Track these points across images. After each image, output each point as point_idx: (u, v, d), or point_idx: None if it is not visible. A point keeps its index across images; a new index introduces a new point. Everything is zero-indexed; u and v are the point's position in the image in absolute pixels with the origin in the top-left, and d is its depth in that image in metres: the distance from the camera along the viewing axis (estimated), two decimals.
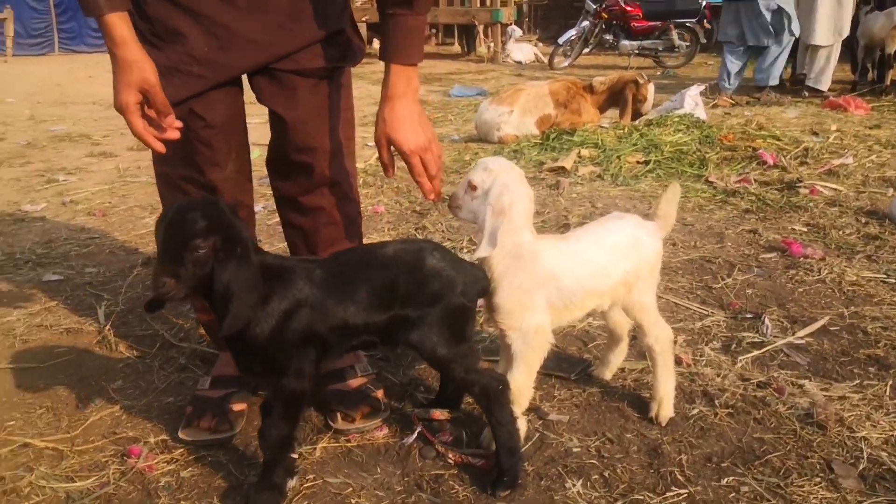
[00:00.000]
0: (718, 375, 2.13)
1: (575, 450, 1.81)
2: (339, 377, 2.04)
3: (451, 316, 1.61)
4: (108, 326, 2.50)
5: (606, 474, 1.71)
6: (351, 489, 1.69)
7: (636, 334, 2.06)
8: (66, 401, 2.11)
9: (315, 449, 1.83)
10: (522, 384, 1.75)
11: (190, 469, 1.78)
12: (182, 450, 1.84)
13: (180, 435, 1.87)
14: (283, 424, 1.55)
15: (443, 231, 3.49)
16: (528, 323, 1.72)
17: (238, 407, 1.96)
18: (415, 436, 1.85)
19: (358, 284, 1.57)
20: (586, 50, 11.82)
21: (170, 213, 1.43)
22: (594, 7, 11.61)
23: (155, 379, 2.21)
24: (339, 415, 1.92)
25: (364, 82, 10.30)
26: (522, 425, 1.79)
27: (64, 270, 3.12)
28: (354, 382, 2.02)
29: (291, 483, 1.66)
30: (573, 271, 1.74)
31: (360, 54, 1.95)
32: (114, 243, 3.49)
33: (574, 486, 1.67)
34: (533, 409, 1.96)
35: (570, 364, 2.22)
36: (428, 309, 1.59)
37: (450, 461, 1.75)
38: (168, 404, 2.08)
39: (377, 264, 1.61)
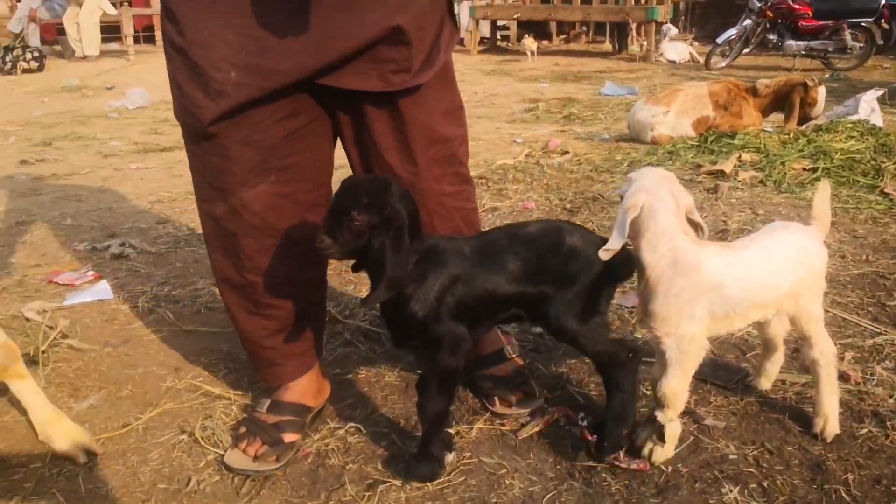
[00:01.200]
0: (891, 396, 2.01)
1: (731, 456, 1.78)
2: (493, 361, 2.11)
3: (587, 293, 1.67)
4: None
5: (765, 484, 1.68)
6: (504, 470, 1.76)
7: (798, 347, 1.99)
8: (245, 364, 2.33)
9: (471, 429, 1.92)
10: (677, 388, 1.74)
11: (356, 436, 1.92)
12: (346, 417, 1.99)
13: (226, 458, 1.81)
14: (440, 399, 1.65)
15: (594, 230, 3.49)
16: (683, 331, 1.70)
17: (290, 438, 1.85)
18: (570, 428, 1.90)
19: (504, 259, 1.66)
20: (746, 50, 11.25)
21: (344, 183, 1.59)
22: (758, 5, 11.03)
23: (325, 351, 2.39)
24: (496, 398, 1.99)
25: (511, 79, 10.37)
26: (677, 428, 1.78)
27: None
28: (508, 366, 2.09)
29: (449, 457, 1.76)
30: (740, 281, 1.70)
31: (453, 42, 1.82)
32: None
33: (731, 491, 1.65)
34: (688, 413, 1.94)
35: (727, 372, 2.18)
36: (566, 285, 1.66)
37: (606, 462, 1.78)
38: (335, 375, 2.24)
39: (521, 241, 1.69)
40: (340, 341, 2.45)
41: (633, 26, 13.00)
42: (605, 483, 1.70)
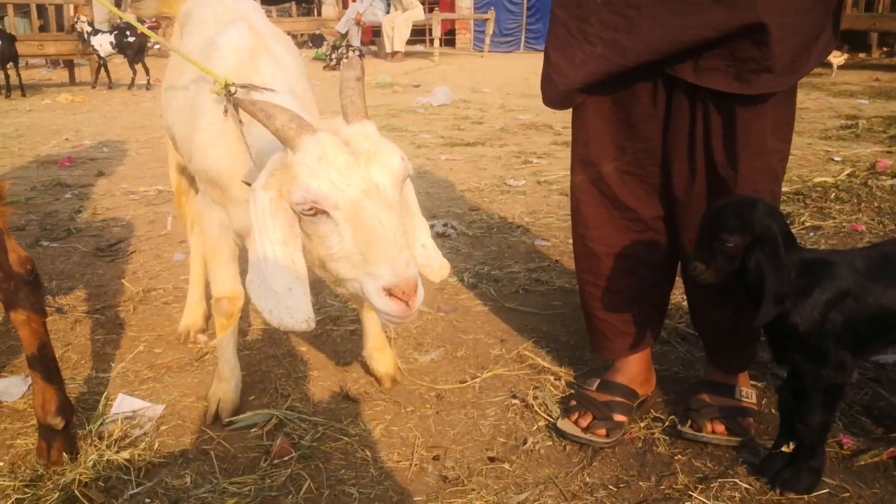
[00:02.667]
0: None
1: None
2: (719, 390, 1.98)
3: None
4: None
5: None
6: (847, 494, 1.67)
7: None
8: (564, 345, 2.46)
9: None
10: None
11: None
12: (669, 411, 2.02)
13: (558, 423, 1.93)
14: (823, 412, 1.60)
15: None
16: None
17: (619, 418, 1.92)
18: None
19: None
20: None
21: (709, 208, 1.62)
22: None
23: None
24: (699, 421, 1.90)
25: (821, 93, 9.51)
26: None
27: (550, 238, 3.58)
28: (731, 402, 1.95)
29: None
30: None
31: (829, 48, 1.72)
32: None
33: None
34: None
35: None
36: None
37: None
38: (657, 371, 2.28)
39: None
40: (657, 340, 2.48)
41: None
42: None
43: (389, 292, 1.35)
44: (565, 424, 1.92)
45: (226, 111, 1.72)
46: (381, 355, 2.23)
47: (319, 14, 18.26)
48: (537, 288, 2.96)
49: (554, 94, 1.87)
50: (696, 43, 1.63)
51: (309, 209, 1.37)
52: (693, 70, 1.69)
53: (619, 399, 1.97)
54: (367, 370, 2.27)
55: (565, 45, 1.78)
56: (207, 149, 1.81)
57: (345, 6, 17.00)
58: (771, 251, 1.53)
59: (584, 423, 1.90)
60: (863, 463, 1.78)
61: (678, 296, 2.79)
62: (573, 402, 1.99)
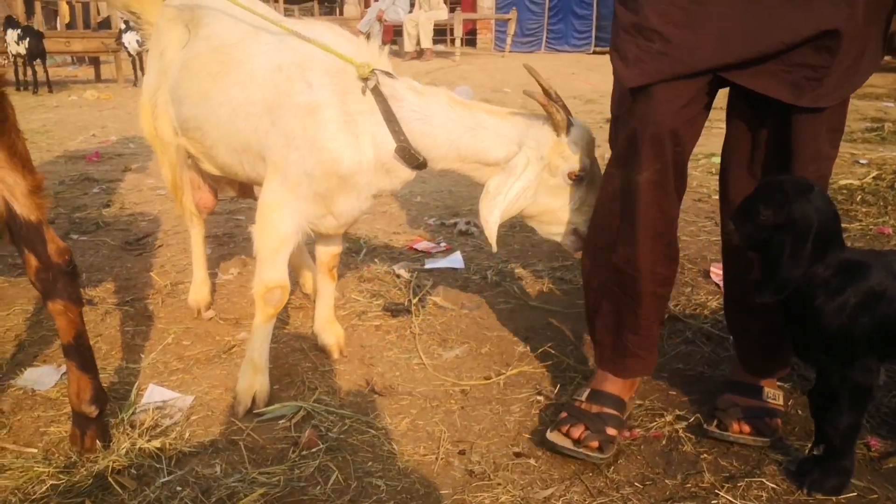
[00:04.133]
0: None
1: None
2: (745, 391, 1.97)
3: None
4: None
5: None
6: (875, 496, 1.67)
7: None
8: (589, 344, 2.46)
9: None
10: None
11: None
12: (687, 412, 2.02)
13: (548, 435, 1.85)
14: (851, 413, 1.59)
15: None
16: None
17: (612, 432, 1.84)
18: None
19: None
20: None
21: (766, 178, 1.67)
22: None
23: (665, 345, 2.43)
24: (716, 418, 1.90)
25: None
26: None
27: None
28: (757, 403, 1.94)
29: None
30: None
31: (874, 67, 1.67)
32: None
33: None
34: None
35: None
36: None
37: None
38: (678, 370, 2.28)
39: None
40: (682, 339, 2.48)
41: None
42: None
43: None
44: (555, 437, 1.84)
45: (364, 91, 1.94)
46: (332, 326, 2.43)
47: (342, 13, 18.33)
48: (561, 286, 2.96)
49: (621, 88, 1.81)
50: (774, 49, 1.58)
51: (577, 177, 1.97)
52: (749, 73, 1.64)
53: (610, 411, 1.89)
54: (317, 343, 2.41)
55: (626, 43, 1.71)
56: (330, 141, 1.93)
57: (366, 5, 17.06)
58: (797, 237, 1.52)
59: (576, 433, 1.82)
60: (891, 465, 1.78)
61: (703, 296, 2.79)
62: (563, 415, 1.90)
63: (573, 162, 1.95)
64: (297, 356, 2.38)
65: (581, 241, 2.05)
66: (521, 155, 1.96)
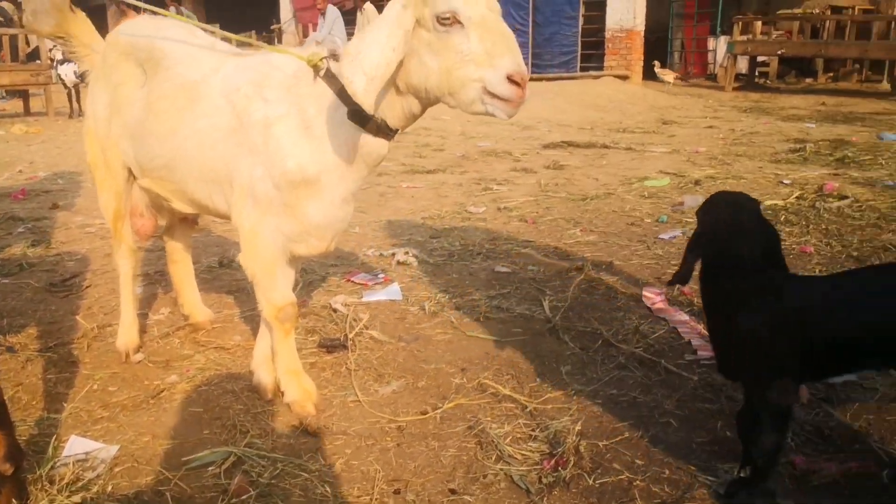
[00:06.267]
0: None
1: None
2: None
3: None
4: (556, 317, 2.86)
5: None
6: None
7: None
8: (525, 372, 2.48)
9: None
10: None
11: (638, 454, 1.96)
12: (622, 439, 2.04)
13: None
14: (773, 434, 1.64)
15: None
16: None
17: None
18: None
19: (864, 303, 1.58)
20: None
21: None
22: None
23: (598, 371, 2.47)
24: None
25: (771, 118, 9.82)
26: None
27: (510, 265, 3.61)
28: None
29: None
30: None
31: None
32: (546, 248, 3.92)
33: None
34: None
35: None
36: None
37: None
38: (612, 395, 2.31)
39: (888, 281, 1.60)
40: (614, 364, 2.51)
41: None
42: None
43: (510, 78, 1.71)
44: None
45: (315, 78, 1.95)
46: (270, 365, 2.35)
47: (280, 42, 18.28)
48: (498, 315, 2.98)
49: None
50: None
51: (447, 18, 1.76)
52: None
53: None
54: (252, 382, 2.37)
55: None
56: (292, 149, 1.97)
57: (305, 34, 17.04)
58: (695, 237, 1.66)
59: None
60: (815, 483, 1.82)
61: (635, 321, 2.84)
62: None
63: (437, 1, 1.76)
64: (228, 398, 2.32)
65: (508, 104, 1.76)
66: (385, 12, 1.83)
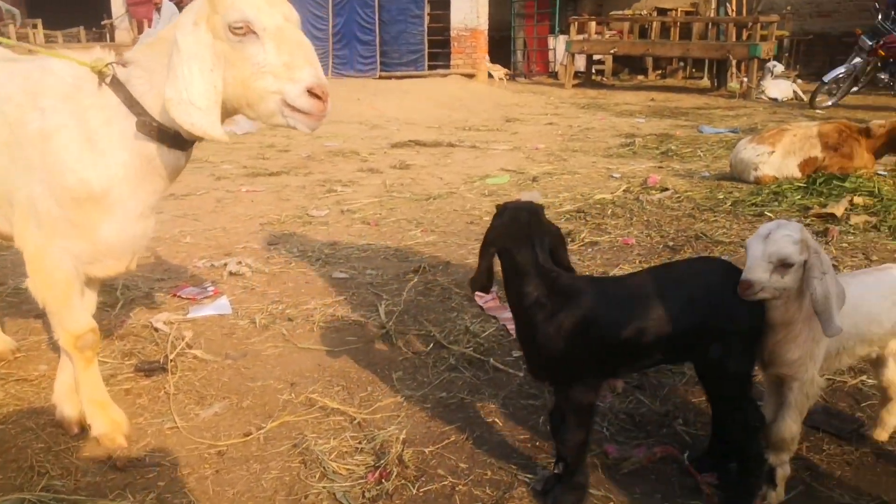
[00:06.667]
0: None
1: None
2: None
3: (743, 333, 1.65)
4: (390, 323, 2.84)
5: None
6: (612, 503, 1.78)
7: None
8: (356, 382, 2.44)
9: None
10: (796, 431, 1.74)
11: (462, 458, 1.98)
12: (448, 443, 2.06)
13: None
14: (578, 431, 1.69)
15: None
16: (809, 373, 1.71)
17: None
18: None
19: (648, 303, 1.66)
20: (855, 89, 10.85)
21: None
22: (870, 44, 10.63)
23: (429, 374, 2.47)
24: None
25: (606, 113, 10.37)
26: (787, 470, 1.77)
27: (348, 270, 3.56)
28: None
29: None
30: (849, 317, 1.69)
31: None
32: (387, 251, 3.90)
33: None
34: (800, 459, 1.91)
35: (840, 421, 2.12)
36: (721, 325, 1.64)
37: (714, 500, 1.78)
38: (441, 399, 2.31)
39: (669, 283, 1.69)
40: (445, 366, 2.53)
41: (734, 63, 12.78)
42: None
43: (311, 91, 1.69)
44: None
45: (100, 85, 1.82)
46: (74, 396, 2.15)
47: (112, 39, 17.12)
48: (332, 324, 2.92)
49: None
50: None
51: (240, 27, 1.69)
52: None
53: None
54: (55, 416, 2.17)
55: None
56: (74, 164, 1.81)
57: (140, 30, 16.06)
58: (485, 244, 1.72)
59: None
60: (626, 470, 1.91)
61: (468, 320, 2.87)
62: None
63: (228, 10, 1.70)
64: (27, 436, 2.11)
65: (309, 116, 1.73)
66: (178, 34, 1.73)
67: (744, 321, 1.63)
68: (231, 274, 3.52)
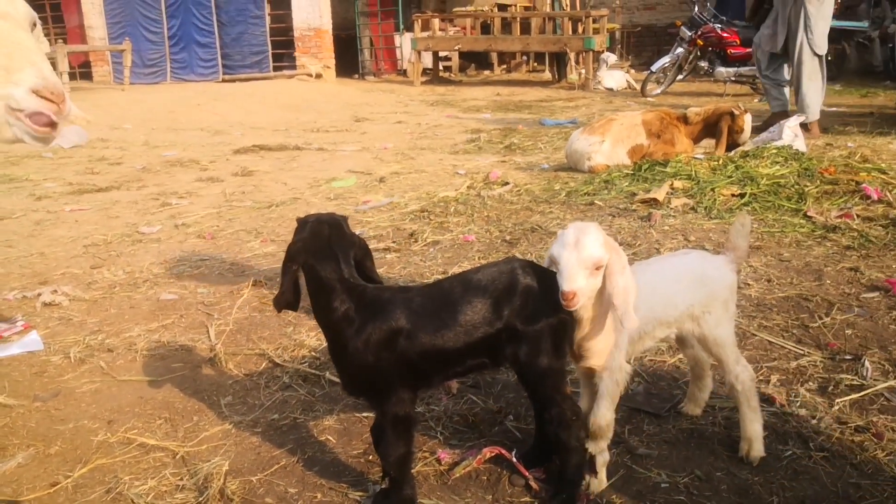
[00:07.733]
0: (814, 417, 2.09)
1: (663, 485, 1.83)
2: None
3: (549, 331, 1.68)
4: (219, 344, 2.69)
5: None
6: None
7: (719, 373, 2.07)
8: (181, 412, 2.29)
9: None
10: (610, 419, 1.80)
11: (293, 482, 1.90)
12: (279, 468, 1.97)
13: None
14: (399, 444, 1.66)
15: (534, 260, 3.54)
16: (616, 362, 1.77)
17: None
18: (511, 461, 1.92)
19: (454, 310, 1.66)
20: (680, 77, 11.65)
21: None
22: (689, 34, 11.44)
23: (261, 396, 2.36)
24: None
25: (455, 110, 10.52)
26: (607, 456, 1.83)
27: (178, 290, 3.36)
28: None
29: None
30: (647, 301, 1.77)
31: None
32: (222, 265, 3.72)
33: None
34: (622, 443, 1.99)
35: (659, 400, 2.24)
36: (526, 326, 1.66)
37: (542, 495, 1.81)
38: (273, 421, 2.22)
39: (472, 288, 1.69)
40: (279, 385, 2.43)
41: (572, 56, 13.36)
42: None
43: (38, 94, 1.55)
44: None
45: None
46: None
47: None
48: (157, 351, 2.73)
49: None
50: None
51: None
52: None
53: None
54: None
55: None
56: None
57: None
58: (286, 260, 1.69)
59: None
60: (458, 475, 1.90)
61: (303, 334, 2.78)
62: None
63: None
64: None
65: (41, 121, 1.61)
66: None
67: (549, 320, 1.66)
68: (45, 305, 3.22)
